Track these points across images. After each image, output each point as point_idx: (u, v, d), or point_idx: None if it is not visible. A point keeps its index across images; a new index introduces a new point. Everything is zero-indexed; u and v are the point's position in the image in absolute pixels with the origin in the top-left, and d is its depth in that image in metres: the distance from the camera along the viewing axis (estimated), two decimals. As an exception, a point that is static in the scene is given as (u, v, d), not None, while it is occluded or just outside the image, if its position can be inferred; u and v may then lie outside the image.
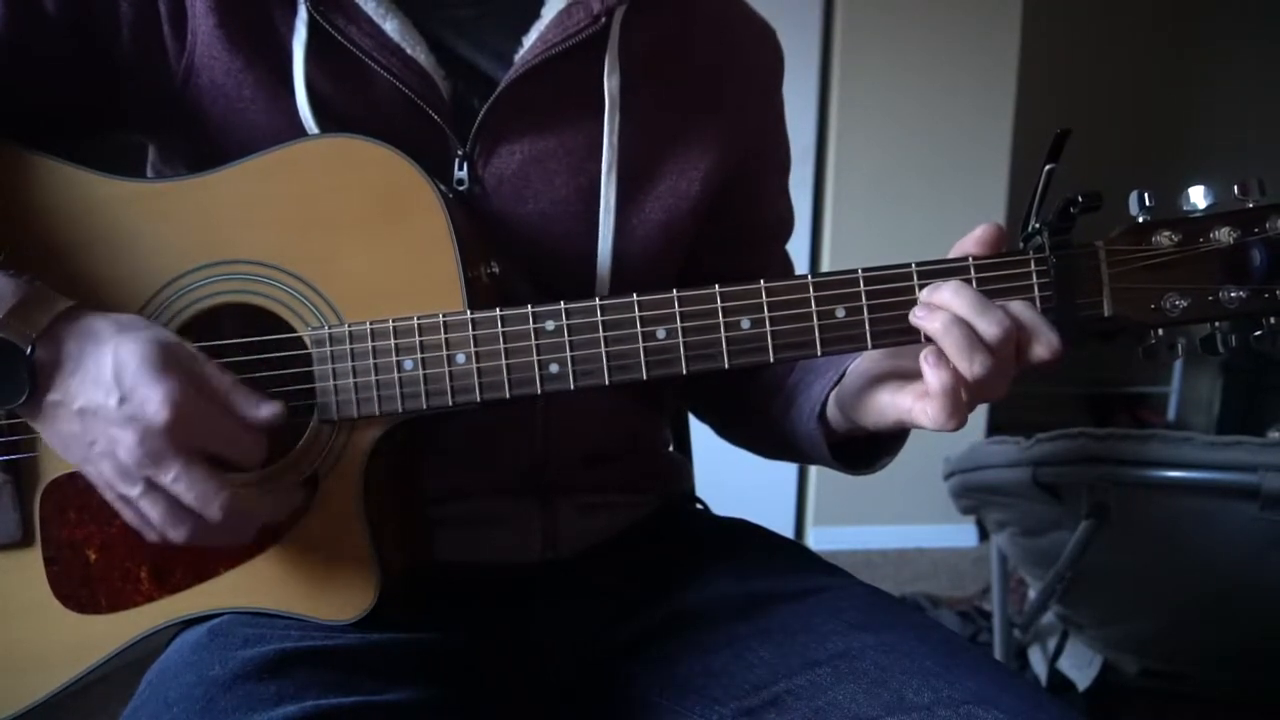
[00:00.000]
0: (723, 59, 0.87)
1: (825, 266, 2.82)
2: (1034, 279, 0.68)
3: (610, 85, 0.80)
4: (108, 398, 0.63)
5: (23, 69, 0.74)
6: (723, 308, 0.69)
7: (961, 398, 0.66)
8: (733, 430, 0.98)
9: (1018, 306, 0.67)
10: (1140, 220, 0.68)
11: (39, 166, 0.74)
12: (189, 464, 0.64)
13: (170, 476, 0.64)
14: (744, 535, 0.93)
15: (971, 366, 0.65)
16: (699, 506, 1.01)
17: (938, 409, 0.66)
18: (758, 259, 0.94)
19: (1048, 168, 0.68)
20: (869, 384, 0.72)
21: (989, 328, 0.65)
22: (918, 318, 0.67)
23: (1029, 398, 3.34)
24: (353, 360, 0.71)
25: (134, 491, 0.65)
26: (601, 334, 0.69)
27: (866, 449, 0.80)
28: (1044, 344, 0.66)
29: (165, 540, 0.67)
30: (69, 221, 0.73)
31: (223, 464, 0.66)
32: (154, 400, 0.63)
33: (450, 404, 0.70)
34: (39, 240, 0.73)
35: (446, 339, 0.70)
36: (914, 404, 0.68)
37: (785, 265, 0.98)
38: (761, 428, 0.88)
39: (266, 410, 0.67)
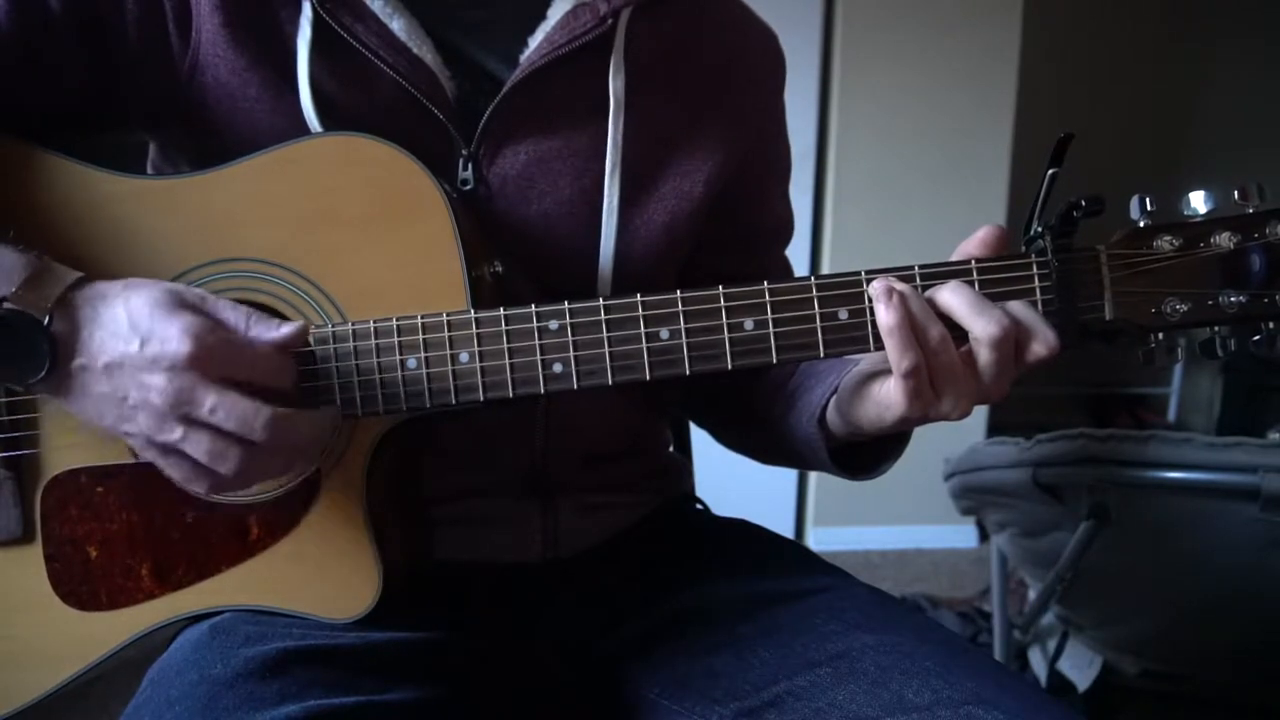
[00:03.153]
0: (726, 62, 0.87)
1: (825, 267, 2.82)
2: (1036, 282, 0.68)
3: (615, 87, 0.80)
4: (129, 345, 0.63)
5: (27, 67, 0.74)
6: (726, 308, 0.69)
7: (912, 338, 0.66)
8: (732, 435, 0.98)
9: (1015, 305, 0.67)
10: (1141, 225, 0.68)
11: (42, 162, 0.74)
12: (222, 391, 0.64)
13: (207, 408, 0.63)
14: (744, 535, 0.93)
15: (930, 331, 0.66)
16: (699, 507, 1.01)
17: (890, 347, 0.66)
18: (757, 263, 0.94)
19: (1050, 172, 0.68)
20: (864, 380, 0.73)
21: (988, 326, 0.65)
22: (875, 288, 0.67)
23: (1029, 398, 3.34)
24: (356, 359, 0.71)
25: (175, 435, 0.64)
26: (605, 334, 0.69)
27: (866, 454, 0.80)
28: (1042, 342, 0.66)
29: (216, 487, 0.67)
30: (72, 218, 0.73)
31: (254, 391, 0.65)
32: (173, 336, 0.63)
33: (453, 403, 0.70)
34: (41, 236, 0.73)
35: (450, 338, 0.70)
36: (892, 384, 0.68)
37: (785, 270, 0.98)
38: (761, 431, 0.88)
39: (286, 328, 0.67)
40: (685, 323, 0.69)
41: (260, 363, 0.66)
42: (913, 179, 2.78)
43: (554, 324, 0.70)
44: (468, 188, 0.79)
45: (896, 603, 0.82)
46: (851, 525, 2.94)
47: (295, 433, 0.66)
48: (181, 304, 0.65)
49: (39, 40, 0.73)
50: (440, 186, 0.71)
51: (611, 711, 0.81)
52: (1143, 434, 1.31)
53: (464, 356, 0.70)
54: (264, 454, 0.65)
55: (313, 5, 0.75)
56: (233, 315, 0.67)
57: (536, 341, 0.70)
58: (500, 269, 0.76)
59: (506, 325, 0.70)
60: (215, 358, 0.64)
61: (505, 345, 0.70)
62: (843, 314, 0.69)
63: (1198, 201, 0.68)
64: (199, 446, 0.64)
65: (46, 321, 0.64)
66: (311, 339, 0.71)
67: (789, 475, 2.94)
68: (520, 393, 0.70)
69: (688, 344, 0.69)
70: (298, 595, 0.73)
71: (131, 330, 0.64)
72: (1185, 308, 0.68)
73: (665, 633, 0.82)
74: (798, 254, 0.97)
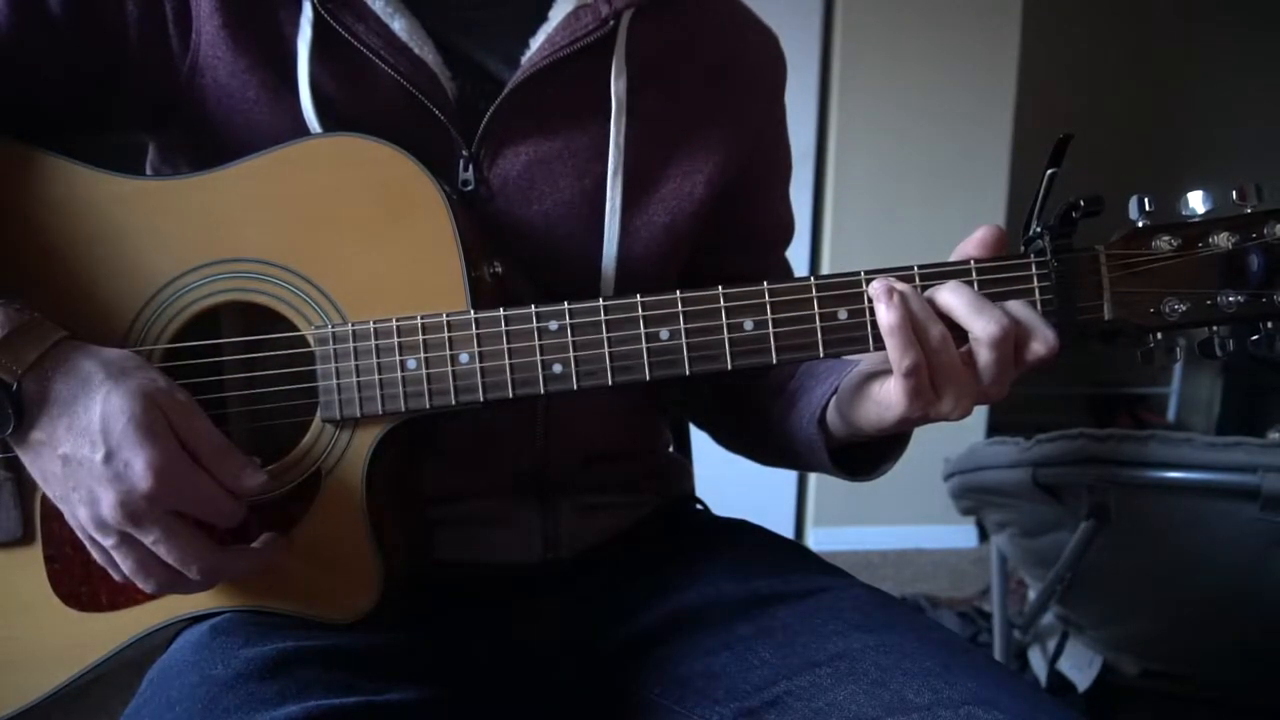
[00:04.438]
0: (727, 63, 0.88)
1: (825, 268, 2.82)
2: (1035, 282, 0.68)
3: (617, 88, 0.80)
4: (93, 452, 0.63)
5: (26, 69, 0.74)
6: (726, 308, 0.69)
7: (913, 337, 0.66)
8: (732, 436, 0.98)
9: (1014, 305, 0.67)
10: (1140, 225, 0.68)
11: (42, 163, 0.74)
12: (170, 528, 0.64)
13: (151, 539, 0.64)
14: (744, 535, 0.93)
15: (931, 331, 0.65)
16: (699, 507, 1.01)
17: (891, 346, 0.66)
18: (757, 264, 0.94)
19: (1049, 172, 0.68)
20: (864, 380, 0.73)
21: (988, 326, 0.65)
22: (875, 288, 0.67)
23: (1029, 398, 3.34)
24: (356, 359, 0.71)
25: (108, 542, 0.65)
26: (605, 334, 0.69)
27: (866, 455, 0.80)
28: (1041, 341, 0.66)
29: (130, 581, 0.67)
30: (71, 219, 0.73)
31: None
32: (138, 465, 0.62)
33: (453, 403, 0.70)
34: (41, 238, 0.73)
35: (450, 338, 0.70)
36: (892, 383, 0.68)
37: (786, 271, 0.98)
38: (761, 432, 0.88)
39: (251, 481, 0.67)
40: (685, 323, 0.69)
41: (214, 509, 0.66)
42: (913, 179, 2.78)
43: (554, 324, 0.70)
44: (468, 189, 0.79)
45: (897, 603, 0.82)
46: (851, 525, 2.95)
47: (230, 571, 0.68)
48: (156, 426, 0.63)
49: (39, 42, 0.73)
50: (440, 187, 0.71)
51: (611, 711, 0.81)
52: (1142, 434, 1.31)
53: (464, 357, 0.70)
54: (191, 585, 0.67)
55: (313, 6, 0.75)
56: (208, 444, 0.66)
57: (536, 342, 0.70)
58: (500, 269, 0.76)
59: (506, 326, 0.70)
60: (174, 495, 0.64)
61: (505, 346, 0.70)
62: (842, 314, 0.69)
63: (1196, 202, 0.68)
64: (126, 560, 0.66)
65: (15, 387, 0.64)
66: (311, 339, 0.72)
67: (789, 475, 2.94)
68: (520, 393, 0.70)
69: (687, 344, 0.69)
70: (298, 596, 0.73)
71: (100, 437, 0.63)
72: (1184, 308, 0.68)
73: (665, 633, 0.82)
74: (797, 254, 0.97)
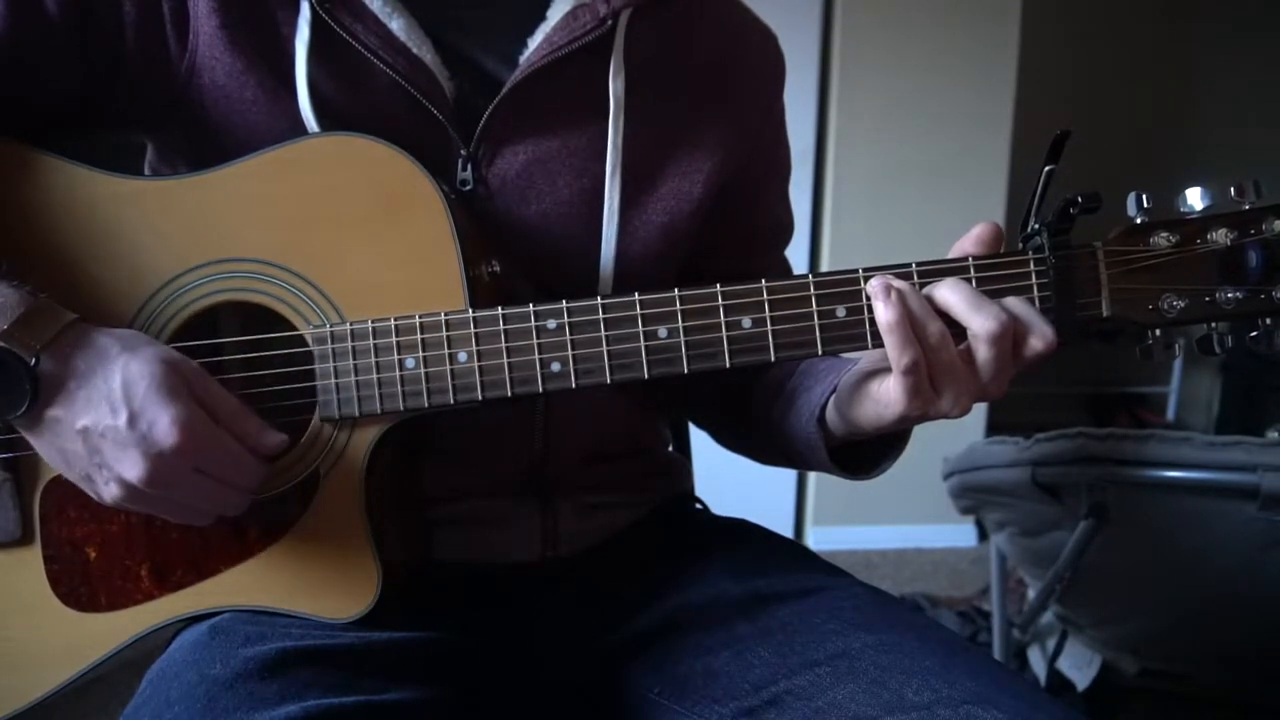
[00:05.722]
0: (726, 62, 0.88)
1: (824, 267, 2.81)
2: (1033, 279, 0.68)
3: (615, 88, 0.80)
4: (115, 418, 0.64)
5: (24, 69, 0.74)
6: (724, 306, 0.69)
7: (911, 334, 0.66)
8: (732, 435, 0.98)
9: (1012, 301, 0.67)
10: (1138, 221, 0.68)
11: (41, 164, 0.74)
12: (197, 484, 0.66)
13: (179, 494, 0.66)
14: (744, 535, 0.93)
15: (929, 328, 0.66)
16: (699, 506, 1.01)
17: (890, 344, 0.66)
18: (757, 264, 0.94)
19: (1047, 169, 0.68)
20: (863, 379, 0.73)
21: (986, 322, 0.65)
22: (873, 286, 0.67)
23: (1028, 398, 3.34)
24: (354, 359, 0.71)
25: (141, 505, 0.67)
26: (603, 333, 0.69)
27: (866, 454, 0.80)
28: (1040, 337, 0.66)
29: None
30: (70, 219, 0.73)
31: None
32: (163, 422, 0.63)
33: (452, 402, 0.70)
34: (40, 238, 0.73)
35: (448, 337, 0.70)
36: (891, 381, 0.68)
37: (785, 271, 0.97)
38: (760, 432, 0.88)
39: (271, 440, 0.69)
40: (683, 321, 0.69)
41: (237, 467, 0.68)
42: (912, 178, 2.78)
43: (552, 323, 0.70)
44: (467, 188, 0.79)
45: (896, 602, 0.82)
46: (851, 525, 2.94)
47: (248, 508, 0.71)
48: (178, 387, 0.65)
49: (36, 42, 0.73)
50: (438, 186, 0.71)
51: (611, 711, 0.81)
52: (1142, 433, 1.31)
53: (462, 356, 0.70)
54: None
55: (311, 5, 0.75)
56: (226, 405, 0.68)
57: (534, 341, 0.70)
58: (498, 268, 0.76)
59: (504, 325, 0.70)
60: (199, 453, 0.65)
61: (503, 345, 0.70)
62: (840, 311, 0.69)
63: (1194, 198, 0.68)
64: (166, 512, 0.69)
65: (33, 362, 0.64)
66: (309, 338, 0.72)
67: (789, 475, 2.94)
68: (518, 392, 0.70)
69: (686, 342, 0.69)
70: (296, 596, 0.73)
71: (122, 402, 0.64)
72: (1182, 304, 0.68)
73: (665, 632, 0.82)
74: (796, 253, 0.97)
